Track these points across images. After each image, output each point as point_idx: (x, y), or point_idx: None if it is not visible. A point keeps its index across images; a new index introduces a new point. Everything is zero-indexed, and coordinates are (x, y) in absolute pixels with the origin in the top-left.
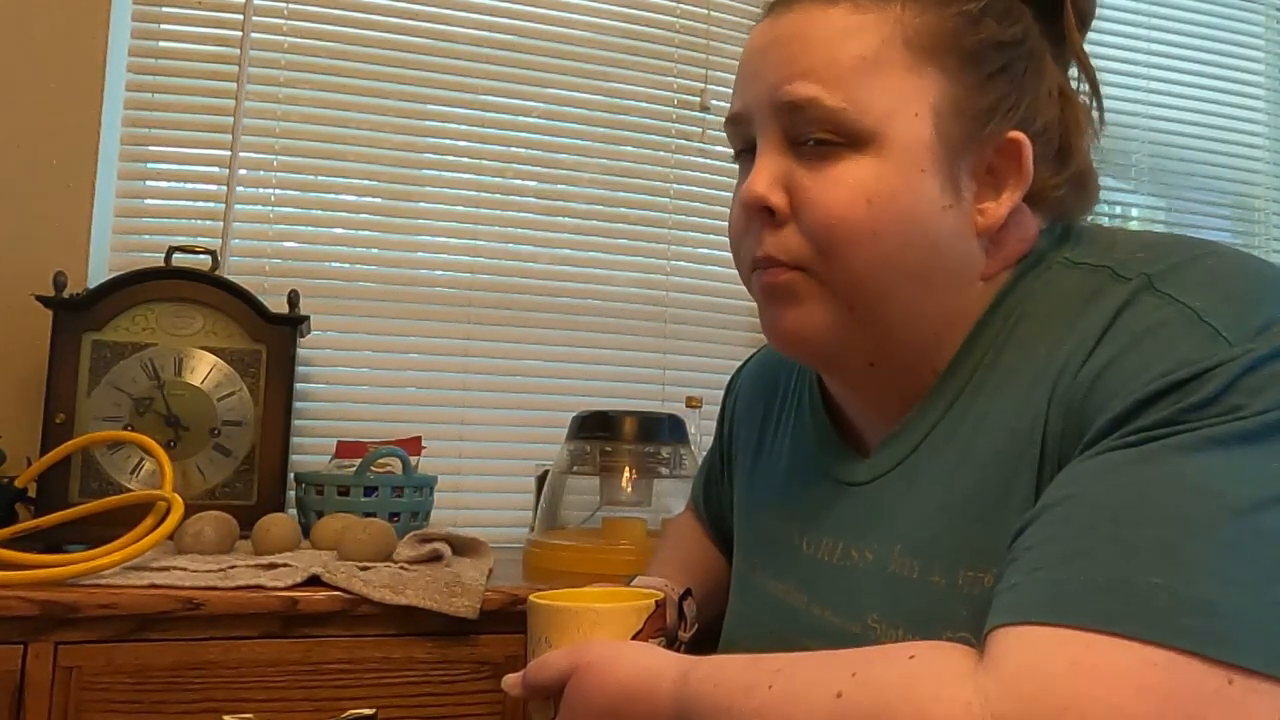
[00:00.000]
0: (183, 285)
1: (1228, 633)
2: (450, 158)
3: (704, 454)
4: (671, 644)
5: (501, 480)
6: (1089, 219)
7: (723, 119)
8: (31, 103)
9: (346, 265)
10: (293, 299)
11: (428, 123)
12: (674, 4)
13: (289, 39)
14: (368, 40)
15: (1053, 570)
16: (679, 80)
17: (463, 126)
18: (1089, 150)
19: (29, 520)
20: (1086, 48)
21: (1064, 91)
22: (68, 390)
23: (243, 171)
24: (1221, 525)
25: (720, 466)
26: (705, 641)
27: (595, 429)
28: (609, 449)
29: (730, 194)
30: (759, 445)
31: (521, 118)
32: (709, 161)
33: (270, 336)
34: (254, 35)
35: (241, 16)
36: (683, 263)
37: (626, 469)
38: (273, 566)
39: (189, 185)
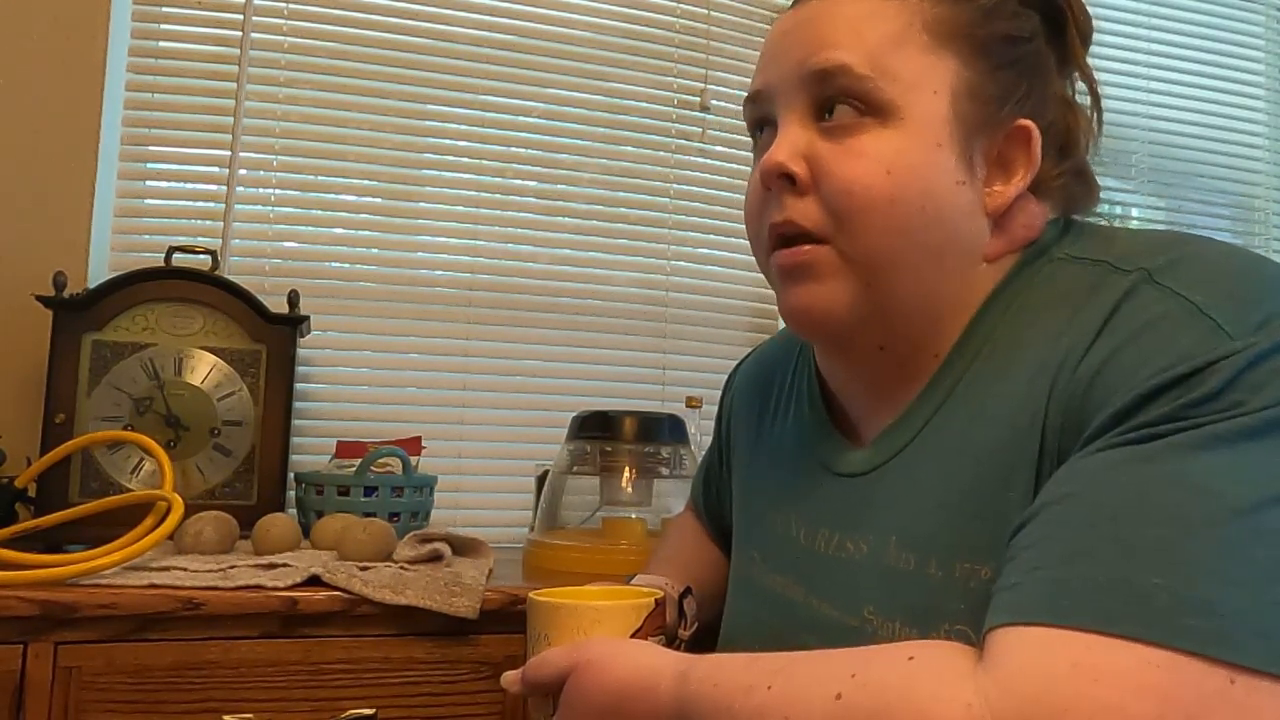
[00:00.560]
0: (183, 285)
1: (1229, 632)
2: (450, 158)
3: (704, 454)
4: (671, 642)
5: (501, 480)
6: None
7: (723, 119)
8: (31, 103)
9: (346, 265)
10: (293, 299)
11: (428, 123)
12: (674, 4)
13: (289, 39)
14: (368, 40)
15: (1053, 570)
16: (679, 80)
17: (463, 126)
18: (1087, 153)
19: (29, 520)
20: None
21: (1066, 99)
22: (68, 390)
23: (243, 171)
24: (1223, 525)
25: (719, 463)
26: (705, 640)
27: (595, 429)
28: (609, 449)
29: (731, 194)
30: (757, 439)
31: (521, 118)
32: (709, 161)
33: (270, 336)
34: (254, 35)
35: (241, 16)
36: (683, 263)
37: (626, 469)
38: (273, 566)
39: (189, 185)
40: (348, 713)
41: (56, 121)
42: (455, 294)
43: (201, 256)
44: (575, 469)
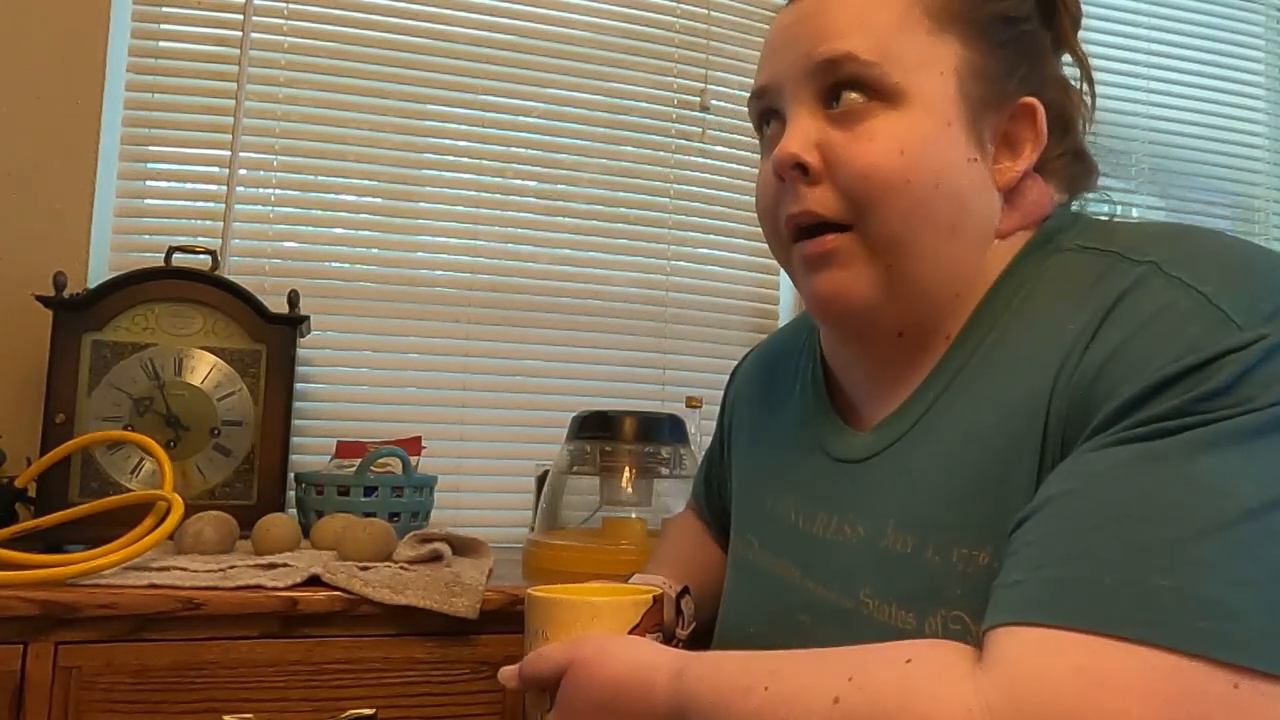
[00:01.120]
0: (183, 285)
1: (1235, 634)
2: (450, 158)
3: (704, 453)
4: (669, 641)
5: (501, 480)
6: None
7: (723, 119)
8: (32, 103)
9: (346, 265)
10: (293, 299)
11: (428, 123)
12: (674, 4)
13: (289, 39)
14: (368, 40)
15: (1056, 569)
16: (679, 80)
17: (463, 126)
18: (1083, 132)
19: (29, 520)
20: (1087, 47)
21: (1062, 80)
22: (68, 390)
23: (243, 171)
24: (1231, 525)
25: (720, 455)
26: (703, 640)
27: (595, 429)
28: (609, 449)
29: (731, 194)
30: (759, 425)
31: (521, 118)
32: (709, 161)
33: (270, 336)
34: (254, 35)
35: (241, 16)
36: (683, 263)
37: (626, 469)
38: (273, 566)
39: (189, 185)
40: (348, 713)
41: (56, 121)
42: (455, 294)
43: (201, 256)
44: (575, 469)
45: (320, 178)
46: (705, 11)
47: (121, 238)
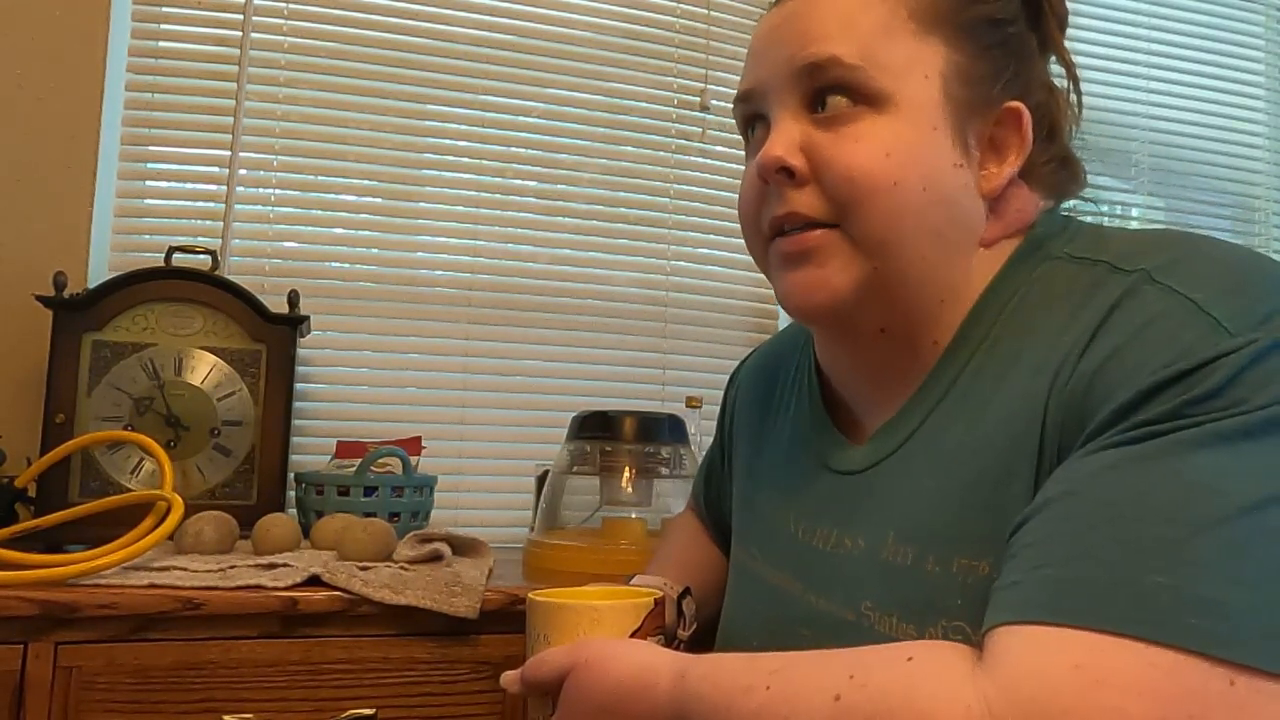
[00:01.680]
0: (183, 285)
1: (1232, 632)
2: (450, 158)
3: (704, 454)
4: (670, 643)
5: (501, 480)
6: (1088, 218)
7: (723, 119)
8: (32, 103)
9: (346, 265)
10: (293, 299)
11: (428, 123)
12: (674, 4)
13: (289, 39)
14: (368, 40)
15: (1054, 569)
16: (679, 80)
17: (463, 126)
18: (1070, 136)
19: (29, 520)
20: (1087, 47)
21: (1048, 84)
22: (68, 390)
23: (243, 171)
24: (1226, 523)
25: (721, 459)
26: (704, 640)
27: (595, 429)
28: (609, 449)
29: (731, 194)
30: (759, 435)
31: (521, 118)
32: (709, 161)
33: (270, 336)
34: (254, 35)
35: (241, 16)
36: (683, 263)
37: (626, 469)
38: (273, 566)
39: (189, 185)
40: (348, 713)
41: (56, 121)
42: (455, 294)
43: (201, 256)
44: (575, 469)
45: (320, 178)
46: (705, 11)
47: (121, 238)
